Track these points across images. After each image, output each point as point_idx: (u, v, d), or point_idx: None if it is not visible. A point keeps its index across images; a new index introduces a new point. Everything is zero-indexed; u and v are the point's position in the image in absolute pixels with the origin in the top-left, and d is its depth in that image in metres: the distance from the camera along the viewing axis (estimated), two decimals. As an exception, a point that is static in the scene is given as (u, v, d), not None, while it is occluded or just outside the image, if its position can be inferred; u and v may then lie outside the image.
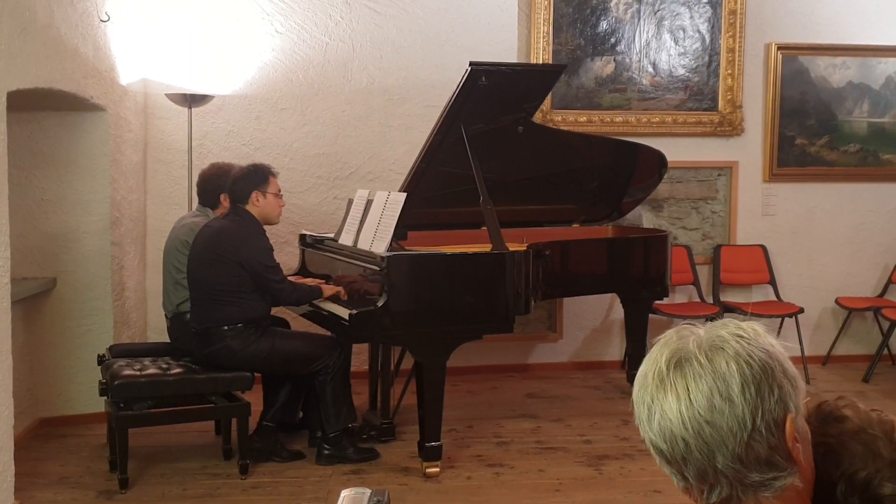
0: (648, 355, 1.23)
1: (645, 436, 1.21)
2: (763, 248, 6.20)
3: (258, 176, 4.22)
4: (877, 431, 1.28)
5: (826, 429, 1.29)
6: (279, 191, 4.30)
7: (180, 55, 5.40)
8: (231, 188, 4.24)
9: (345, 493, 1.38)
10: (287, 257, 5.54)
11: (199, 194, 4.64)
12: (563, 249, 4.61)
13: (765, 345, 1.17)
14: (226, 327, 4.06)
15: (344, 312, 4.03)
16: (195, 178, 5.34)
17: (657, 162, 5.24)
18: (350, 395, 4.35)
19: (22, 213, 4.56)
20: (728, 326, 1.20)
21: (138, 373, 4.02)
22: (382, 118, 5.78)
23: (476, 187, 4.27)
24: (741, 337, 1.18)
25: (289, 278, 4.36)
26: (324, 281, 4.52)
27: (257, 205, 4.20)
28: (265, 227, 4.25)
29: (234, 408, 4.12)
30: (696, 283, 6.12)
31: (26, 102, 4.12)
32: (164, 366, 4.14)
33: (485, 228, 4.29)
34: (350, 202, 4.77)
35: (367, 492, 1.38)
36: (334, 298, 4.32)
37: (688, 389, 1.15)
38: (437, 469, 4.10)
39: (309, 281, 4.53)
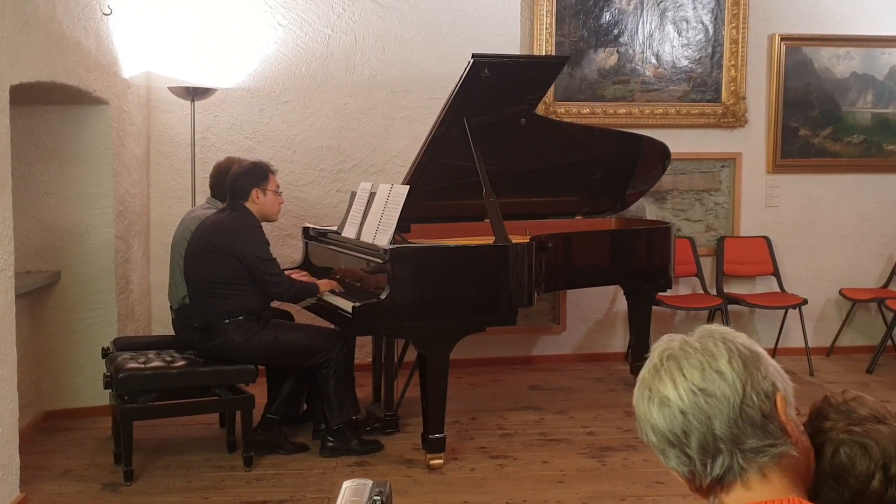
0: (643, 366, 1.35)
1: (647, 426, 1.30)
2: (766, 239, 6.20)
3: (258, 173, 4.23)
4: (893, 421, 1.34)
5: (848, 421, 1.35)
6: (278, 188, 4.32)
7: (183, 48, 5.40)
8: (231, 185, 4.24)
9: (347, 484, 1.39)
10: (290, 250, 5.55)
11: (212, 186, 4.65)
12: (566, 242, 4.61)
13: (749, 343, 1.30)
14: (227, 320, 4.07)
15: (347, 305, 4.04)
16: (198, 171, 5.36)
17: (660, 154, 5.24)
18: (353, 388, 4.36)
19: (25, 207, 4.56)
20: (718, 326, 1.34)
21: (142, 366, 4.03)
22: (385, 110, 5.78)
23: (479, 180, 4.27)
24: (728, 331, 1.32)
25: (286, 272, 4.35)
26: (325, 280, 4.50)
27: (257, 202, 4.21)
28: (264, 224, 4.26)
29: (238, 400, 4.14)
30: (699, 274, 6.12)
31: (29, 96, 4.13)
32: (169, 359, 4.15)
33: (488, 221, 4.29)
34: (353, 195, 4.77)
35: (369, 483, 1.38)
36: (338, 291, 4.32)
37: (681, 369, 1.27)
38: (441, 461, 4.11)
39: (305, 278, 4.51)
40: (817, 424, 1.38)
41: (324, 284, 4.34)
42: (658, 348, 1.34)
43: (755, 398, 1.24)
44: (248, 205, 4.21)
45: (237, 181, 4.22)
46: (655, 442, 1.30)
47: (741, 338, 1.30)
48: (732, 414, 1.23)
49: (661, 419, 1.27)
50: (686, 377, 1.26)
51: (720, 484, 1.26)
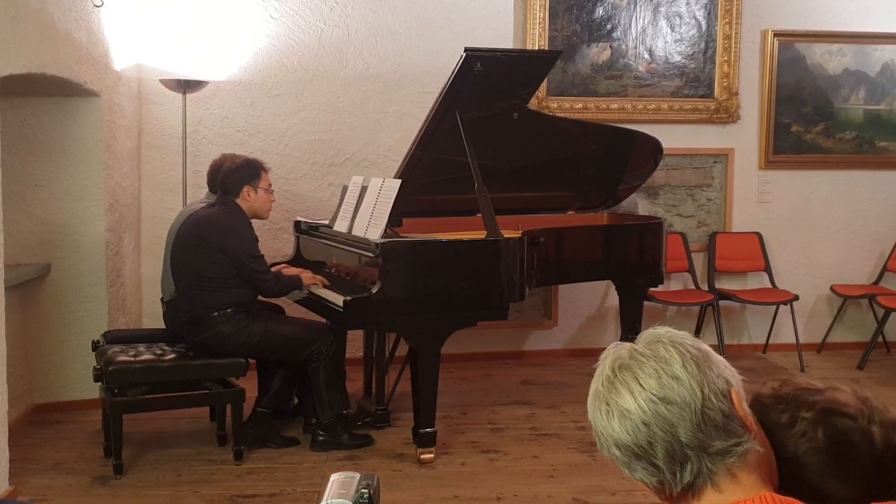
0: (593, 378, 1.33)
1: (609, 441, 1.27)
2: (758, 235, 6.20)
3: (250, 170, 4.23)
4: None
5: (803, 403, 1.37)
6: (270, 186, 4.31)
7: (174, 41, 5.37)
8: (222, 180, 4.24)
9: (334, 476, 1.38)
10: (282, 244, 5.54)
11: (209, 183, 4.64)
12: (558, 236, 4.60)
13: (696, 342, 1.29)
14: (216, 313, 4.06)
15: (338, 299, 4.03)
16: (190, 165, 5.35)
17: (653, 149, 5.23)
18: (343, 382, 4.36)
19: (16, 200, 4.54)
20: (661, 328, 1.32)
21: (133, 359, 4.02)
22: (377, 104, 5.76)
23: (471, 174, 4.26)
24: (673, 333, 1.30)
25: (272, 269, 4.34)
26: (309, 271, 4.48)
27: (248, 199, 4.21)
28: (254, 220, 4.25)
29: (228, 394, 4.13)
30: (691, 270, 6.12)
31: (19, 88, 4.11)
32: (159, 352, 4.14)
33: (480, 215, 4.29)
34: (345, 189, 4.76)
35: (357, 476, 1.38)
36: (329, 285, 4.31)
37: (637, 379, 1.25)
38: (432, 455, 4.11)
39: (291, 271, 4.51)
40: (766, 421, 1.36)
41: (307, 277, 4.33)
42: (608, 358, 1.31)
43: (714, 399, 1.23)
44: (238, 201, 4.20)
45: (229, 177, 4.22)
46: (620, 456, 1.27)
47: (688, 339, 1.29)
48: (695, 419, 1.22)
49: (624, 433, 1.25)
50: (644, 387, 1.24)
51: (691, 490, 1.25)
